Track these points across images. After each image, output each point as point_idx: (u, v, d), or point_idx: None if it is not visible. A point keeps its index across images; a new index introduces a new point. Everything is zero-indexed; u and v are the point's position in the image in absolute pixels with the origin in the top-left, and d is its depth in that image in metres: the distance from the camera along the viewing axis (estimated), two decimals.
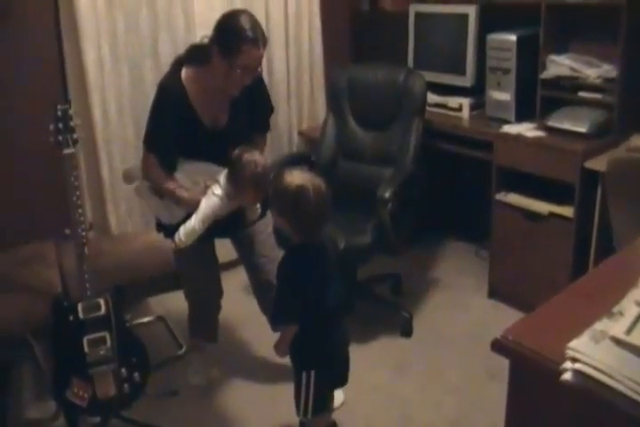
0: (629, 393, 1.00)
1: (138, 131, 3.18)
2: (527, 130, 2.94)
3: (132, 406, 2.31)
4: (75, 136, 2.09)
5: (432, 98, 3.31)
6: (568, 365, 1.07)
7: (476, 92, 3.28)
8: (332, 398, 2.17)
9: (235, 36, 2.07)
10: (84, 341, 2.15)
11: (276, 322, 2.07)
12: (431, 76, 3.29)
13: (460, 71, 3.31)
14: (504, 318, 2.95)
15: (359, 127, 3.23)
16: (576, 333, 1.11)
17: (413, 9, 3.50)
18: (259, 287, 2.57)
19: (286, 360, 2.12)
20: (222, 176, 2.20)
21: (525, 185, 2.98)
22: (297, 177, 1.87)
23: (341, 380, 2.12)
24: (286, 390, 2.18)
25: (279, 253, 2.31)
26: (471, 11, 3.19)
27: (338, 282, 2.02)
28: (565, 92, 2.89)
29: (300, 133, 3.82)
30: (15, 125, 2.91)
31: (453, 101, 3.33)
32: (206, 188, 2.21)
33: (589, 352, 1.06)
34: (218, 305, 2.63)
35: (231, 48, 2.07)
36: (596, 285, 1.44)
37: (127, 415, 2.35)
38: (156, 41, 3.18)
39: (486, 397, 2.52)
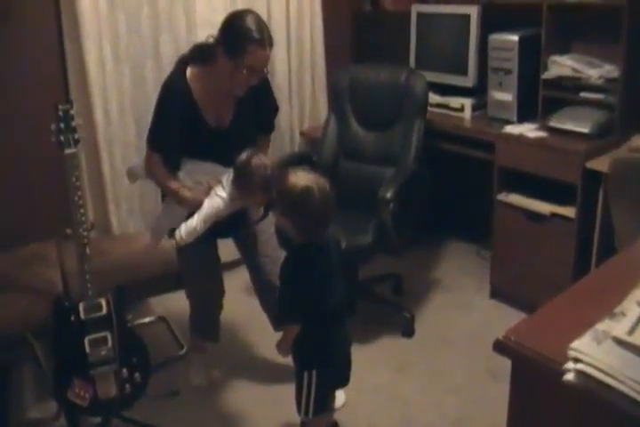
0: (631, 393, 1.00)
1: (139, 131, 3.18)
2: (529, 130, 2.94)
3: (133, 407, 2.31)
4: (76, 136, 2.09)
5: (434, 98, 3.31)
6: (570, 365, 1.06)
7: (478, 92, 3.27)
8: (333, 399, 2.17)
9: (241, 37, 2.07)
10: (86, 341, 2.15)
11: (278, 321, 2.07)
12: (433, 77, 3.29)
13: (462, 71, 3.30)
14: (506, 318, 2.95)
15: (361, 127, 3.23)
16: (578, 333, 1.11)
17: (415, 9, 3.50)
18: (260, 287, 2.57)
19: (287, 360, 2.12)
20: (225, 177, 2.19)
21: (527, 185, 2.98)
22: (302, 178, 1.87)
23: (343, 380, 2.12)
24: (287, 390, 2.18)
25: (281, 254, 2.31)
26: (473, 11, 3.18)
27: (340, 282, 2.02)
28: (567, 93, 2.89)
29: (302, 133, 3.82)
30: (17, 125, 2.92)
31: (455, 102, 3.33)
32: (209, 188, 2.21)
33: (591, 353, 1.06)
34: (219, 305, 2.63)
35: (237, 49, 2.07)
36: (597, 285, 1.44)
37: (128, 416, 2.35)
38: (157, 41, 3.18)
39: (488, 397, 2.52)
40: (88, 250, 2.14)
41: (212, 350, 2.79)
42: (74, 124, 2.08)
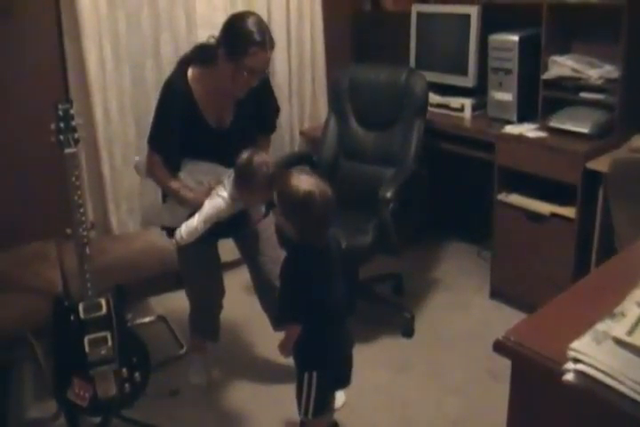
0: (631, 394, 1.00)
1: (139, 130, 3.18)
2: (529, 130, 2.94)
3: (132, 406, 2.31)
4: (76, 136, 2.09)
5: (434, 98, 3.31)
6: (570, 365, 1.06)
7: (478, 92, 3.27)
8: (333, 399, 2.17)
9: (242, 39, 2.07)
10: (85, 340, 2.15)
11: (278, 321, 2.07)
12: (433, 77, 3.29)
13: (462, 71, 3.30)
14: (506, 318, 2.95)
15: (361, 127, 3.23)
16: (578, 333, 1.11)
17: (415, 9, 3.50)
18: (260, 287, 2.57)
19: (287, 360, 2.12)
20: (226, 178, 2.20)
21: (527, 185, 2.98)
22: (304, 181, 1.86)
23: (344, 381, 2.12)
24: (287, 390, 2.18)
25: (281, 253, 2.31)
26: (473, 11, 3.18)
27: (341, 282, 2.02)
28: (567, 93, 2.89)
29: (302, 133, 3.82)
30: (16, 125, 2.92)
31: (455, 102, 3.33)
32: (210, 189, 2.21)
33: (591, 353, 1.06)
34: (219, 305, 2.63)
35: (238, 50, 2.07)
36: (597, 285, 1.44)
37: (128, 415, 2.35)
38: (157, 41, 3.18)
39: (488, 397, 2.52)
40: (88, 250, 2.14)
41: (212, 350, 2.79)
42: (74, 123, 2.09)
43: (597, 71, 2.80)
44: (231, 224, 2.29)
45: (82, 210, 2.13)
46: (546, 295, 1.38)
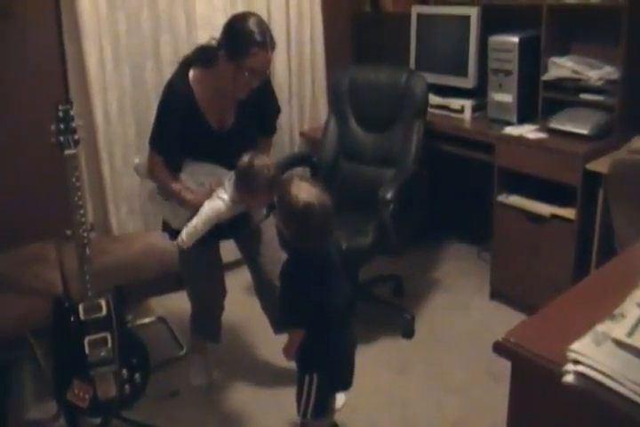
0: (631, 395, 1.00)
1: (139, 131, 3.19)
2: (529, 131, 2.94)
3: (132, 407, 2.31)
4: (76, 137, 2.10)
5: (434, 99, 3.31)
6: (570, 367, 1.06)
7: (478, 93, 3.27)
8: (333, 400, 2.17)
9: (243, 39, 2.07)
10: (85, 341, 2.15)
11: (280, 325, 2.07)
12: (433, 78, 3.29)
13: (462, 73, 3.30)
14: (506, 319, 2.94)
15: (361, 128, 3.23)
16: (578, 335, 1.11)
17: (415, 10, 3.51)
18: (261, 288, 2.57)
19: (288, 361, 2.12)
20: (227, 180, 2.20)
21: (527, 187, 2.98)
22: (304, 191, 1.85)
23: (344, 384, 2.12)
24: (287, 391, 2.18)
25: (282, 254, 2.31)
26: (473, 12, 3.19)
27: (342, 285, 2.02)
28: (567, 94, 2.89)
29: (302, 134, 3.82)
30: (16, 126, 2.92)
31: (455, 103, 3.33)
32: (211, 190, 2.22)
33: (591, 354, 1.06)
34: (221, 306, 2.63)
35: (239, 51, 2.07)
36: (597, 287, 1.44)
37: (128, 416, 2.35)
38: (157, 42, 3.18)
39: (488, 398, 2.52)
40: (88, 251, 2.15)
41: (213, 351, 2.79)
42: (74, 124, 2.09)
43: (597, 72, 2.80)
44: (232, 226, 2.29)
45: (82, 211, 2.13)
46: (546, 296, 1.38)
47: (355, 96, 3.23)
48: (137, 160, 2.44)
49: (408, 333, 3.02)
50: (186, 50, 3.17)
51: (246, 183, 2.13)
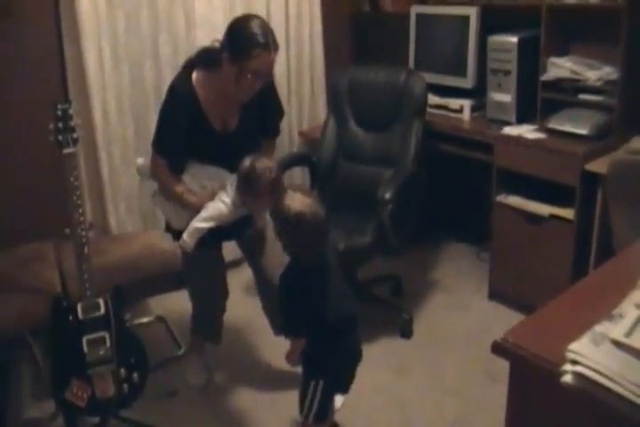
0: (629, 396, 1.00)
1: (138, 130, 3.19)
2: (528, 132, 2.94)
3: (130, 407, 2.31)
4: (75, 136, 2.09)
5: (433, 99, 3.31)
6: (568, 367, 1.06)
7: (477, 93, 3.27)
8: (333, 402, 2.17)
9: (246, 41, 2.06)
10: (84, 341, 2.15)
11: (284, 336, 2.08)
12: (432, 78, 3.29)
13: (461, 73, 3.30)
14: (504, 319, 2.94)
15: (360, 128, 3.23)
16: (576, 335, 1.11)
17: (414, 10, 3.50)
18: (263, 289, 2.58)
19: (287, 365, 2.13)
20: (229, 184, 2.20)
21: (526, 187, 2.98)
22: (296, 201, 1.87)
23: (344, 389, 2.14)
24: (287, 391, 2.18)
25: (285, 259, 2.31)
26: (472, 12, 3.18)
27: (342, 294, 2.02)
28: (566, 95, 2.89)
29: (301, 134, 3.82)
30: (15, 125, 2.91)
31: (454, 103, 3.33)
32: (214, 194, 2.22)
33: (590, 355, 1.06)
34: (223, 307, 2.63)
35: (242, 53, 2.06)
36: (596, 287, 1.44)
37: (126, 416, 2.35)
38: (156, 41, 3.18)
39: (486, 398, 2.52)
40: (86, 250, 2.14)
41: (212, 351, 2.79)
42: (72, 123, 2.09)
43: (596, 73, 2.80)
44: (234, 227, 2.30)
45: (80, 210, 2.12)
46: (544, 297, 1.38)
47: (354, 96, 3.23)
48: (140, 161, 2.43)
49: (407, 333, 3.02)
50: (185, 49, 3.19)
51: (248, 186, 2.13)
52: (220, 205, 2.18)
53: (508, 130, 3.00)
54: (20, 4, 2.83)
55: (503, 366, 1.25)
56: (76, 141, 2.09)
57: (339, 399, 2.37)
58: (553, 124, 2.87)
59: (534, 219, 2.93)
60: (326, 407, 2.07)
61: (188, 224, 2.22)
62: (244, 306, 2.96)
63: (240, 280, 3.03)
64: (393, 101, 3.11)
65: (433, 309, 3.24)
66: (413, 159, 3.01)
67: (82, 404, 2.18)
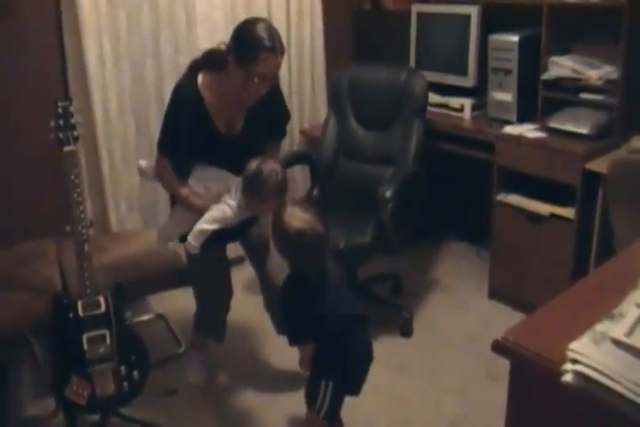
0: (629, 395, 1.00)
1: (138, 128, 3.19)
2: (528, 131, 2.94)
3: (130, 405, 2.31)
4: (75, 133, 2.09)
5: (433, 98, 3.30)
6: (568, 366, 1.06)
7: (478, 92, 3.27)
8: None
9: (252, 45, 2.05)
10: (84, 338, 2.14)
11: (292, 342, 2.09)
12: (433, 77, 3.29)
13: (462, 71, 3.30)
14: (504, 318, 2.95)
15: (360, 127, 3.23)
16: (576, 334, 1.11)
17: (415, 9, 3.50)
18: (265, 287, 2.59)
19: (289, 364, 2.13)
20: (234, 187, 2.20)
21: (526, 186, 2.98)
22: (296, 218, 1.87)
23: (354, 391, 2.13)
24: (288, 390, 2.18)
25: None
26: (473, 11, 3.18)
27: (346, 301, 2.02)
28: (567, 94, 2.89)
29: (302, 132, 3.82)
30: (16, 122, 2.91)
31: (455, 102, 3.33)
32: (218, 196, 2.22)
33: (590, 354, 1.06)
34: (227, 306, 2.62)
35: (248, 56, 2.06)
36: (596, 286, 1.44)
37: (126, 413, 2.35)
38: (157, 39, 3.18)
39: (487, 397, 2.52)
40: (87, 247, 2.14)
41: (213, 349, 2.79)
42: (73, 121, 2.09)
43: (597, 72, 2.80)
44: (238, 229, 2.30)
45: (81, 208, 2.12)
46: (545, 296, 1.38)
47: (354, 94, 3.23)
48: (143, 163, 2.43)
49: (407, 332, 3.02)
50: (185, 47, 3.19)
51: (254, 189, 2.13)
52: (224, 208, 2.18)
53: (508, 129, 3.00)
54: (20, 2, 2.83)
55: (503, 365, 1.25)
56: (76, 139, 2.09)
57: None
58: (554, 124, 2.87)
59: (535, 218, 2.93)
60: (337, 408, 2.07)
61: (192, 227, 2.22)
62: (245, 304, 2.96)
63: (242, 278, 3.03)
64: (393, 100, 3.11)
65: (433, 308, 3.24)
66: (414, 158, 3.01)
67: (82, 401, 2.18)
